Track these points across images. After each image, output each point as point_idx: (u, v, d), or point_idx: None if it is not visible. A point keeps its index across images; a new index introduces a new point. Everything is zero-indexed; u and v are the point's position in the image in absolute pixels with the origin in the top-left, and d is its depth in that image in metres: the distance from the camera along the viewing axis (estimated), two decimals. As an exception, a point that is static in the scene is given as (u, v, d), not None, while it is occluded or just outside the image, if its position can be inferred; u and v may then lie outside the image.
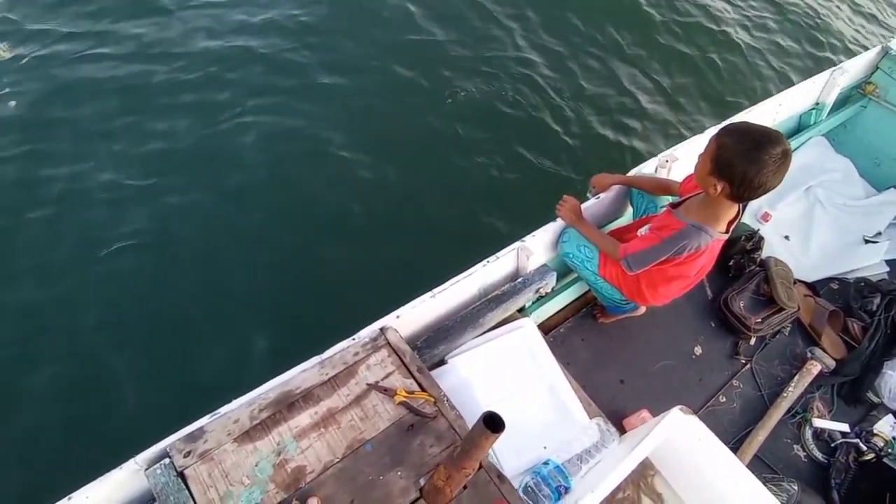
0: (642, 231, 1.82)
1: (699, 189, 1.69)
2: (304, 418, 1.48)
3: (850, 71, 2.94)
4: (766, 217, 2.68)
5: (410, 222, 3.01)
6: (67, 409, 2.21)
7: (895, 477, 2.03)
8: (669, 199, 2.06)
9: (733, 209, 1.65)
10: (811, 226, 2.76)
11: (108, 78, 3.26)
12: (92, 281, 2.54)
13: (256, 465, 1.38)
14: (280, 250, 2.79)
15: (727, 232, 1.68)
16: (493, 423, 1.16)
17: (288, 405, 1.50)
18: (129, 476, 1.35)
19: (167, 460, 1.36)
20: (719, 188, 1.52)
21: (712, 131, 2.34)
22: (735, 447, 2.04)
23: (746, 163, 1.43)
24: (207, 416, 1.45)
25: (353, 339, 1.65)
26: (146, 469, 1.34)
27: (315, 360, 1.60)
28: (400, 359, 1.63)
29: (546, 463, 1.68)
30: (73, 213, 2.72)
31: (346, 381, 1.57)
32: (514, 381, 1.89)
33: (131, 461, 1.35)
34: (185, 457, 1.36)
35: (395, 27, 3.89)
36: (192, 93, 3.28)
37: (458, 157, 3.35)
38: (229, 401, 1.49)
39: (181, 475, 1.34)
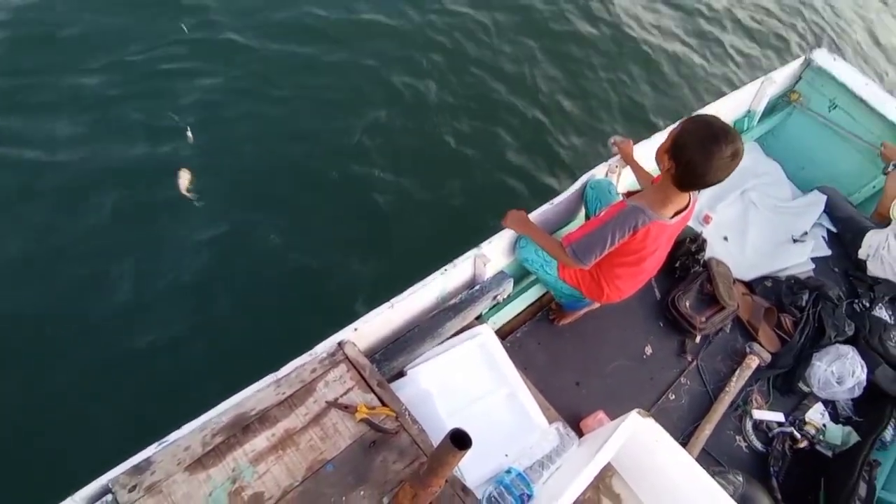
0: None
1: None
2: (260, 441, 1.41)
3: (777, 80, 3.13)
4: (707, 219, 2.81)
5: (367, 232, 2.95)
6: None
7: (826, 462, 2.20)
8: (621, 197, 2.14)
9: (681, 198, 1.71)
10: (746, 227, 2.92)
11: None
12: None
13: (210, 495, 1.30)
14: (229, 261, 2.65)
15: (673, 219, 1.72)
16: (460, 440, 1.14)
17: (242, 428, 1.42)
18: (65, 517, 1.24)
19: (109, 496, 1.26)
20: (667, 166, 1.61)
21: (658, 137, 2.47)
22: (684, 442, 2.13)
23: (697, 151, 1.51)
24: (154, 445, 1.36)
25: (310, 355, 1.60)
26: (85, 508, 1.24)
27: (270, 378, 1.53)
28: (359, 373, 1.59)
29: (508, 471, 1.68)
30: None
31: (304, 399, 1.51)
32: (473, 389, 1.89)
33: (68, 500, 1.25)
34: (129, 491, 1.26)
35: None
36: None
37: (409, 167, 3.32)
38: (178, 427, 1.40)
39: (126, 512, 1.24)
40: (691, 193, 1.75)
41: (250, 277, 2.65)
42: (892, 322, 2.63)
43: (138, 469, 1.30)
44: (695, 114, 1.65)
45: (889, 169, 2.78)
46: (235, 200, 2.86)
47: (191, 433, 1.38)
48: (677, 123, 1.63)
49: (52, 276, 2.43)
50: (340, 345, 1.62)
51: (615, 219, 1.71)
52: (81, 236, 2.54)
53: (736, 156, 1.49)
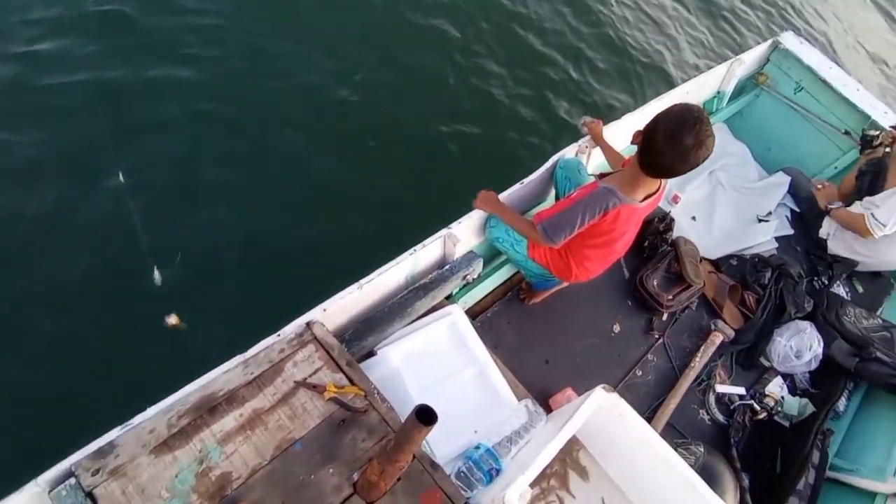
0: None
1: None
2: (228, 422, 1.41)
3: (746, 62, 3.18)
4: (675, 199, 2.86)
5: (335, 210, 2.92)
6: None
7: (784, 432, 2.29)
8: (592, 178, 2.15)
9: (652, 182, 1.72)
10: (714, 207, 2.98)
11: None
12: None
13: (177, 477, 1.30)
14: (193, 240, 2.60)
15: (643, 202, 1.74)
16: (425, 415, 1.16)
17: (210, 409, 1.42)
18: (29, 500, 1.23)
19: (73, 480, 1.25)
20: (638, 142, 1.61)
21: (628, 118, 2.48)
22: (650, 417, 2.19)
23: (662, 134, 1.51)
24: (118, 429, 1.34)
25: (278, 336, 1.59)
26: (49, 491, 1.23)
27: (238, 359, 1.52)
28: (328, 353, 1.59)
29: (477, 447, 1.71)
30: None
31: (273, 379, 1.51)
32: (443, 367, 1.90)
33: (31, 483, 1.23)
34: (93, 475, 1.25)
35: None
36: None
37: (378, 145, 3.29)
38: (143, 409, 1.39)
39: (90, 495, 1.23)
40: None
41: (215, 258, 2.60)
42: (848, 298, 2.74)
43: (101, 453, 1.28)
44: (670, 98, 1.63)
45: (830, 208, 2.85)
46: (194, 184, 2.80)
47: (156, 415, 1.36)
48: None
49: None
50: (309, 325, 1.62)
51: (586, 199, 1.73)
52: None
53: (699, 147, 1.47)
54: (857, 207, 2.68)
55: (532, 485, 1.68)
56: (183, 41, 3.20)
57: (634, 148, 1.68)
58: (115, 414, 1.36)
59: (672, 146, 1.50)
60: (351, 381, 1.55)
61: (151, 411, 1.38)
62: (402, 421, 1.48)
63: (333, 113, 3.29)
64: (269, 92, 3.24)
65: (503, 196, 2.08)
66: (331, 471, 1.40)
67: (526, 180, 2.18)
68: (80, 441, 1.29)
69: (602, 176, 1.88)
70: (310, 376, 1.53)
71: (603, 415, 1.63)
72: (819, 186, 2.96)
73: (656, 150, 1.54)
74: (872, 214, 2.56)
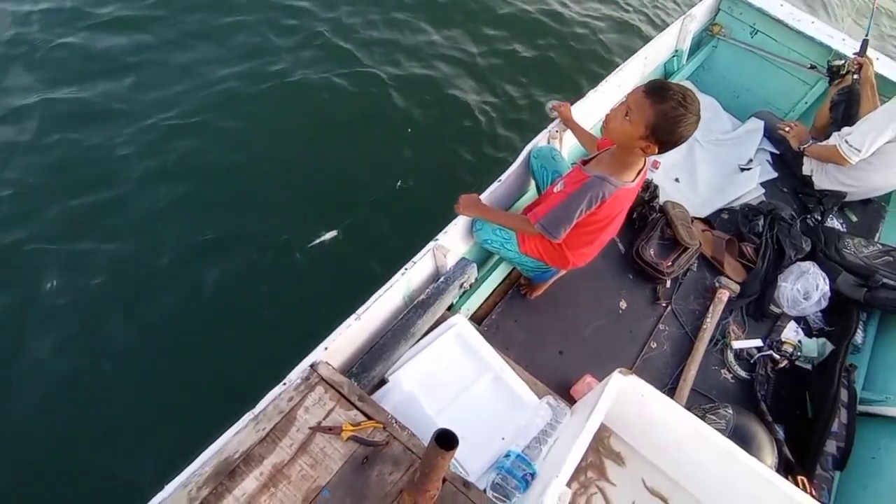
0: (557, 189, 1.86)
1: (611, 145, 1.76)
2: (249, 483, 1.37)
3: (697, 16, 3.17)
4: (655, 165, 2.85)
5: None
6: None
7: (808, 376, 2.27)
8: (569, 164, 2.13)
9: (640, 159, 1.72)
10: (695, 165, 2.97)
11: None
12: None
13: (207, 550, 1.25)
14: (180, 291, 2.56)
15: (634, 181, 1.73)
16: (445, 440, 1.13)
17: (228, 474, 1.38)
18: None
19: (100, 576, 1.20)
20: (651, 149, 1.58)
21: (592, 95, 2.45)
22: (673, 386, 2.17)
23: (684, 127, 1.50)
24: (138, 513, 1.30)
25: (284, 384, 1.55)
26: None
27: (247, 417, 1.48)
28: (338, 392, 1.55)
29: (507, 455, 1.68)
30: None
31: (286, 430, 1.47)
32: (458, 380, 1.87)
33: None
34: (121, 566, 1.21)
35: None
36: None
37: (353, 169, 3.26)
38: (161, 488, 1.34)
39: (121, 588, 1.19)
40: None
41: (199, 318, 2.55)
42: (844, 230, 2.73)
43: (126, 541, 1.24)
44: (649, 89, 1.54)
45: (803, 147, 2.84)
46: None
47: (175, 492, 1.32)
48: (637, 92, 1.55)
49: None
50: (313, 367, 1.58)
51: (581, 192, 1.71)
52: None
53: (699, 114, 1.52)
54: (833, 139, 2.67)
55: (570, 482, 1.65)
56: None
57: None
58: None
59: (683, 128, 1.50)
60: (366, 415, 1.51)
61: (170, 488, 1.34)
62: (426, 445, 1.45)
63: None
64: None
65: (484, 196, 2.05)
66: (363, 512, 1.36)
67: (503, 177, 2.15)
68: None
69: (585, 162, 1.85)
70: (324, 419, 1.49)
71: (625, 398, 1.60)
72: (787, 129, 2.95)
73: (672, 138, 1.53)
74: (846, 140, 2.56)
